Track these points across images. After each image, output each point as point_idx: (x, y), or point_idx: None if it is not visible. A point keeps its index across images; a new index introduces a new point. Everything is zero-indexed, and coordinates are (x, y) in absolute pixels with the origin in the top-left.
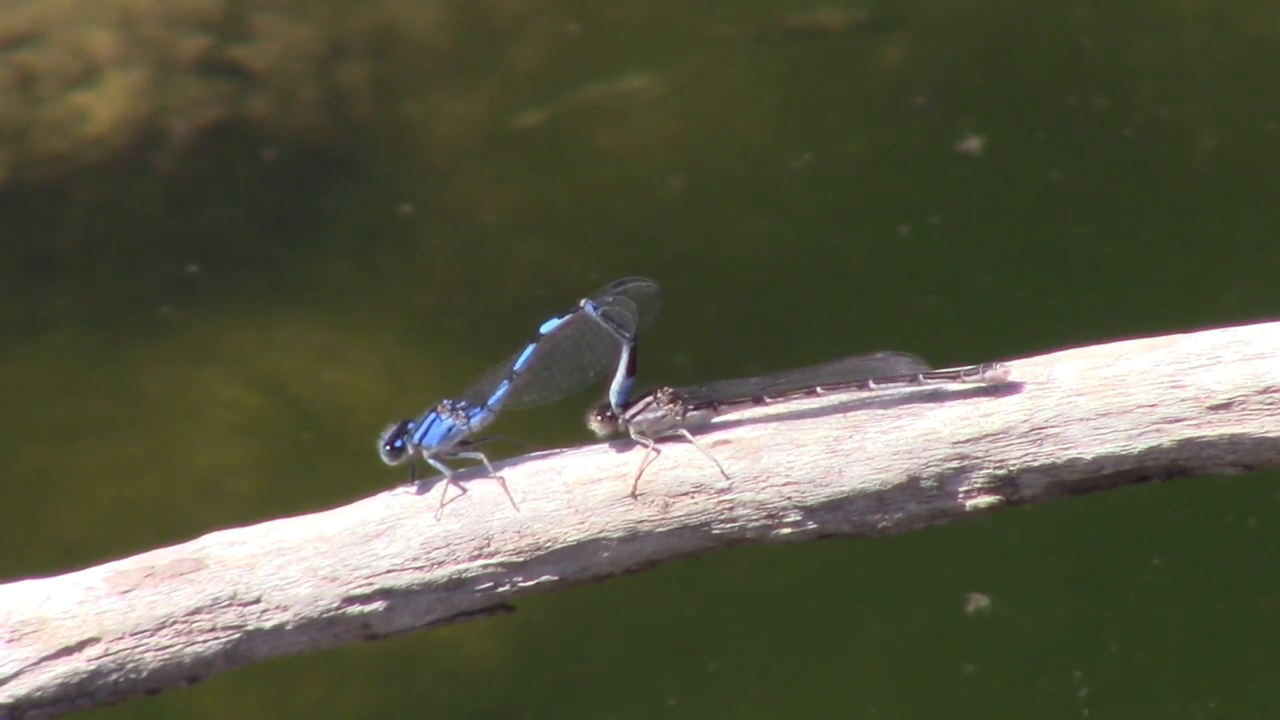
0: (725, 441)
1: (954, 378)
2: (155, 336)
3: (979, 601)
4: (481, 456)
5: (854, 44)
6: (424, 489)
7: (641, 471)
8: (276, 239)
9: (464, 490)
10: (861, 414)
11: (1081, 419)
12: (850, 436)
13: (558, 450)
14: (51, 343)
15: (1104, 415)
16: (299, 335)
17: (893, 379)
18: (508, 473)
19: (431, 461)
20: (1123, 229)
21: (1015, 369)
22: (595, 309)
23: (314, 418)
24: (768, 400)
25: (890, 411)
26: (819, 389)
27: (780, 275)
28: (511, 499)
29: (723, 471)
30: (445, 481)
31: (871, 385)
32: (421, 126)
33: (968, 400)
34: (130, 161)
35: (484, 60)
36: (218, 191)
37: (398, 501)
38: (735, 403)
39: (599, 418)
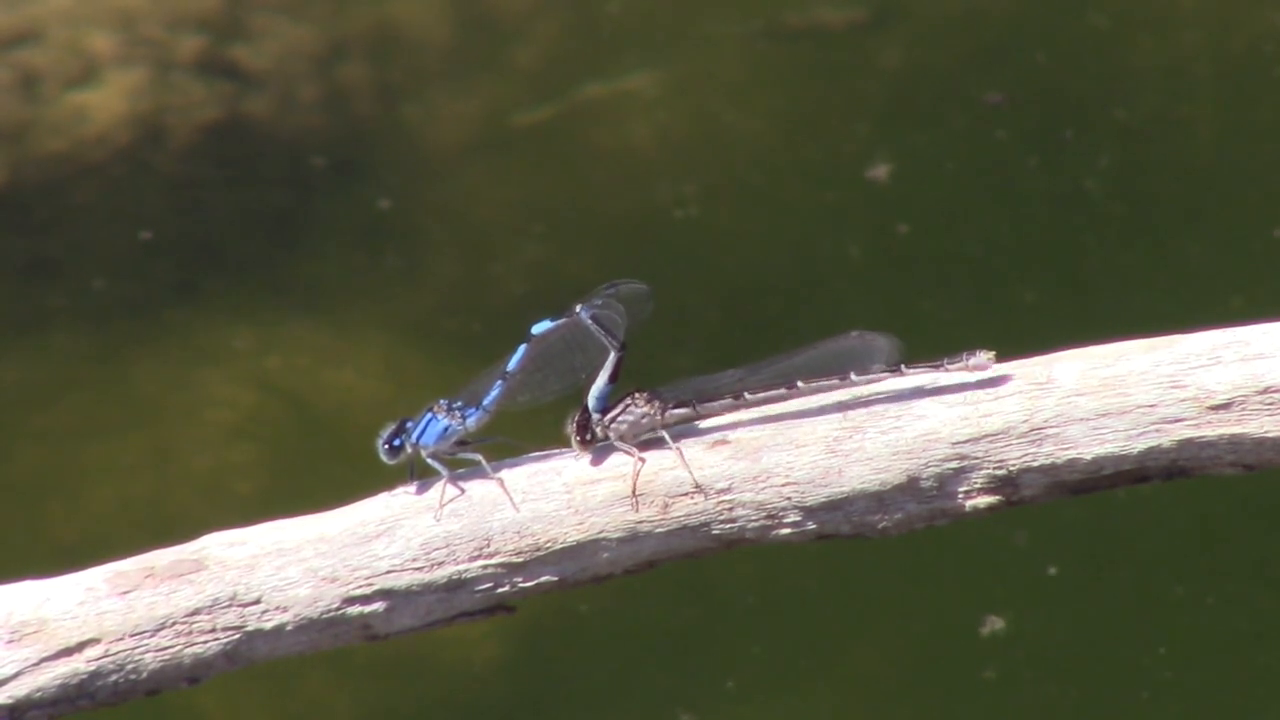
0: (724, 442)
1: (936, 367)
2: (155, 337)
3: (994, 624)
4: (479, 457)
5: (854, 44)
6: (423, 489)
7: (636, 478)
8: (276, 239)
9: (463, 491)
10: (861, 414)
11: (1081, 419)
12: (850, 436)
13: (557, 451)
14: (51, 343)
15: (1104, 415)
16: (299, 335)
17: (873, 371)
18: (507, 473)
19: (430, 461)
20: (1128, 229)
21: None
22: (587, 314)
23: (314, 418)
24: (747, 396)
25: (890, 411)
26: (799, 383)
27: (782, 274)
28: (511, 499)
29: (695, 482)
30: (444, 482)
31: (854, 377)
32: (421, 126)
33: (967, 400)
34: (130, 162)
35: (484, 59)
36: (217, 191)
37: (397, 502)
38: (714, 398)
39: (576, 427)
